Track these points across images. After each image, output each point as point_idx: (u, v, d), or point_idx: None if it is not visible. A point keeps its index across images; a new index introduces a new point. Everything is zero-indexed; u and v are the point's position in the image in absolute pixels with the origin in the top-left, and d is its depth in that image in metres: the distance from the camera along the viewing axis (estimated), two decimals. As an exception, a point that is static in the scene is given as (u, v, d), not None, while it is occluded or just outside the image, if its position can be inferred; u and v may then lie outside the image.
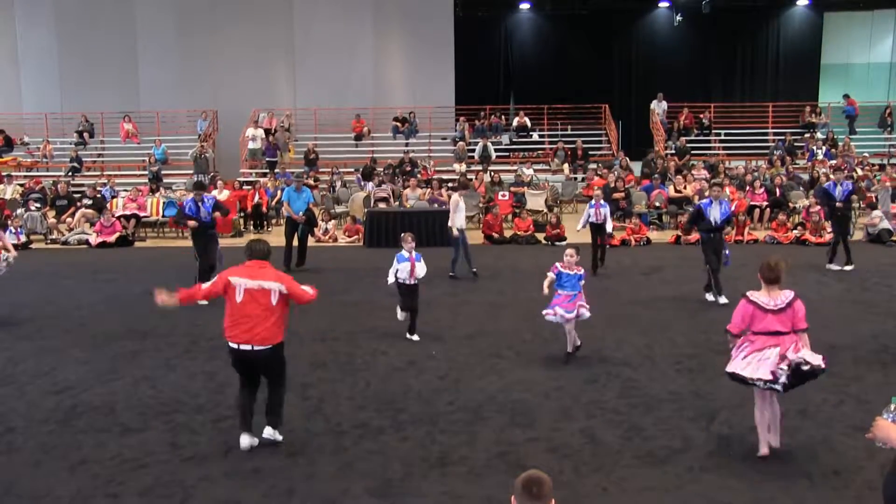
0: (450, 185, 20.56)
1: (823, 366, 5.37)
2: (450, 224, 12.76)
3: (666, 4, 28.55)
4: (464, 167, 22.83)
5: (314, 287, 6.06)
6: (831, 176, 18.55)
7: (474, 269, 12.82)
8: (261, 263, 5.89)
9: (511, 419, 6.47)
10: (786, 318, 5.41)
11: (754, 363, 5.39)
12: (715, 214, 10.68)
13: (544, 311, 8.00)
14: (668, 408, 6.70)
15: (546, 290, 7.99)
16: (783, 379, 5.27)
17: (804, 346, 5.43)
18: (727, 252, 10.74)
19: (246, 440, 5.84)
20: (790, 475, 5.36)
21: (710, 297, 10.80)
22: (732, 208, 17.11)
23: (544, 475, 2.94)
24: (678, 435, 6.10)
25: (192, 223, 11.13)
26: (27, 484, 5.37)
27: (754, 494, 5.12)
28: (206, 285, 6.11)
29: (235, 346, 5.76)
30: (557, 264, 7.99)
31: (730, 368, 5.59)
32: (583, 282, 7.97)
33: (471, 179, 19.74)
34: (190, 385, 7.45)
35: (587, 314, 7.96)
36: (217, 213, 11.27)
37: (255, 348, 5.72)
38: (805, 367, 5.29)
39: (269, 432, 5.95)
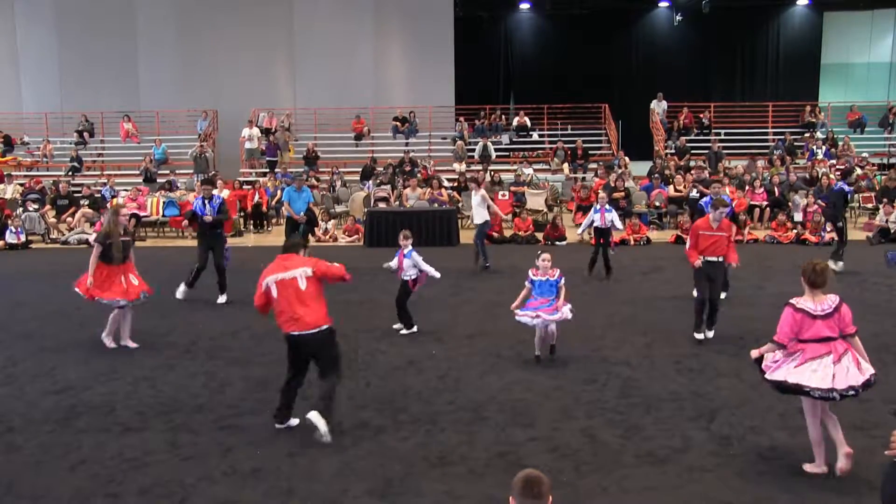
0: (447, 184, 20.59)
1: (873, 379, 5.27)
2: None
3: (666, 4, 28.51)
4: (464, 166, 22.83)
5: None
6: (831, 177, 18.57)
7: None
8: (287, 256, 6.18)
9: (511, 419, 6.47)
10: (833, 322, 5.22)
11: (808, 371, 5.18)
12: None
13: (518, 313, 7.92)
14: (668, 408, 6.70)
15: (517, 303, 7.98)
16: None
17: (858, 353, 5.27)
18: None
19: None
20: (790, 475, 5.37)
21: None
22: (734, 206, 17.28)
23: (542, 474, 2.94)
24: (678, 435, 6.09)
25: (207, 217, 10.98)
26: (27, 484, 5.37)
27: (754, 494, 5.12)
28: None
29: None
30: (531, 272, 7.96)
31: (776, 377, 5.30)
32: (561, 283, 7.88)
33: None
34: (190, 385, 7.45)
35: (569, 315, 7.89)
36: (219, 216, 11.10)
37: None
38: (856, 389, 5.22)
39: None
